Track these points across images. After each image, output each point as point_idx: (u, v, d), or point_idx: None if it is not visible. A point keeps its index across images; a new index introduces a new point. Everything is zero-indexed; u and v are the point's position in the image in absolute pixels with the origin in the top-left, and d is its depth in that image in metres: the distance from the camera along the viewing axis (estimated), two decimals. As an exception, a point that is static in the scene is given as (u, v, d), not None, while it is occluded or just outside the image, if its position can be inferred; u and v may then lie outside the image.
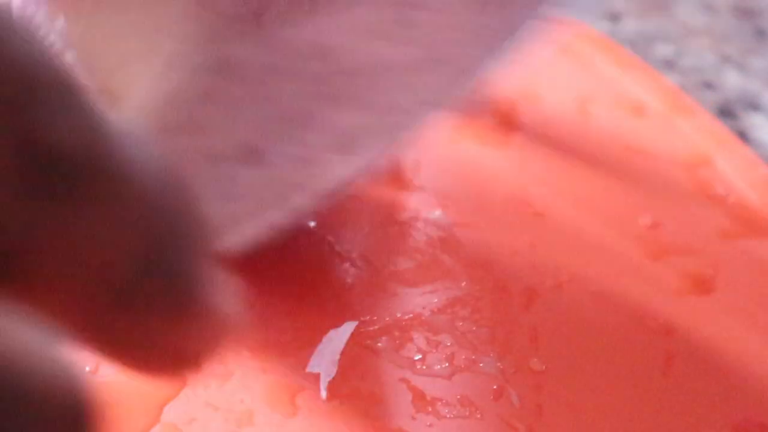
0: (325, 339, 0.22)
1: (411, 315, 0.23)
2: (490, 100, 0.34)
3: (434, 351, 0.22)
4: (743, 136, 0.36)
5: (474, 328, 0.23)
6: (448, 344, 0.22)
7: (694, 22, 0.45)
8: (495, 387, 0.21)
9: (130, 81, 0.21)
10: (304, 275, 0.24)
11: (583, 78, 0.37)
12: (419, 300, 0.23)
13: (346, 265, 0.24)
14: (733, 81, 0.40)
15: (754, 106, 0.38)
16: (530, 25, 0.21)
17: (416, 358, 0.22)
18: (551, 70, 0.37)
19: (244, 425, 0.19)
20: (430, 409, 0.20)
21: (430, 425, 0.20)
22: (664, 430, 0.21)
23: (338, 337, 0.22)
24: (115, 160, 0.09)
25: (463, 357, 0.22)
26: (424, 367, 0.21)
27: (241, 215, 0.20)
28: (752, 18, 0.46)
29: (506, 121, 0.33)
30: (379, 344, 0.22)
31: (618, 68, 0.38)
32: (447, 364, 0.22)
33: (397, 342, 0.22)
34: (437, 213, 0.27)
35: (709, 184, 0.31)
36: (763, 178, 0.31)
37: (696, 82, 0.40)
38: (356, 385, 0.21)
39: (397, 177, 0.28)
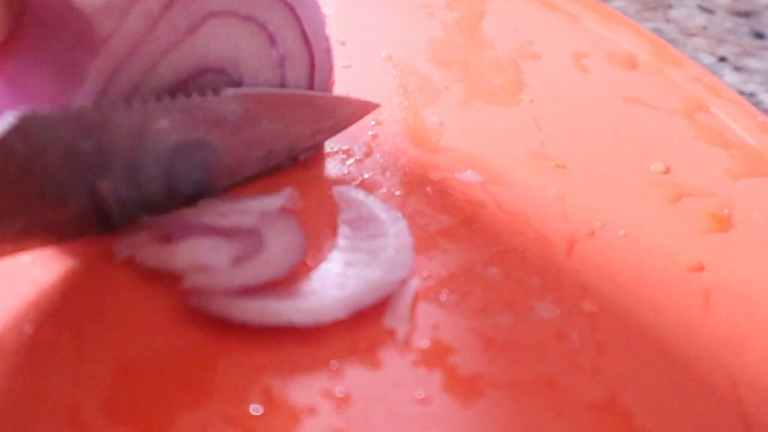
0: (393, 297, 0.22)
1: (465, 268, 0.24)
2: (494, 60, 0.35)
3: (494, 301, 0.23)
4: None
5: (526, 277, 0.24)
6: (505, 294, 0.23)
7: (692, 23, 0.46)
8: (555, 330, 0.22)
9: None
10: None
11: (575, 35, 0.38)
12: (469, 254, 0.24)
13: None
14: (730, 81, 0.41)
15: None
16: None
17: (478, 308, 0.22)
18: (544, 29, 0.38)
19: (337, 384, 0.20)
20: (502, 353, 0.21)
21: (505, 368, 0.21)
22: (706, 354, 0.22)
23: (405, 293, 0.22)
24: None
25: (522, 304, 0.23)
26: (488, 316, 0.22)
27: None
28: (749, 19, 0.47)
29: (512, 80, 0.34)
30: (442, 298, 0.22)
31: (605, 24, 0.39)
32: (508, 312, 0.22)
33: (458, 295, 0.23)
34: (468, 173, 0.28)
35: (709, 129, 0.32)
36: (756, 123, 0.33)
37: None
38: (430, 336, 0.21)
39: (422, 139, 0.29)
